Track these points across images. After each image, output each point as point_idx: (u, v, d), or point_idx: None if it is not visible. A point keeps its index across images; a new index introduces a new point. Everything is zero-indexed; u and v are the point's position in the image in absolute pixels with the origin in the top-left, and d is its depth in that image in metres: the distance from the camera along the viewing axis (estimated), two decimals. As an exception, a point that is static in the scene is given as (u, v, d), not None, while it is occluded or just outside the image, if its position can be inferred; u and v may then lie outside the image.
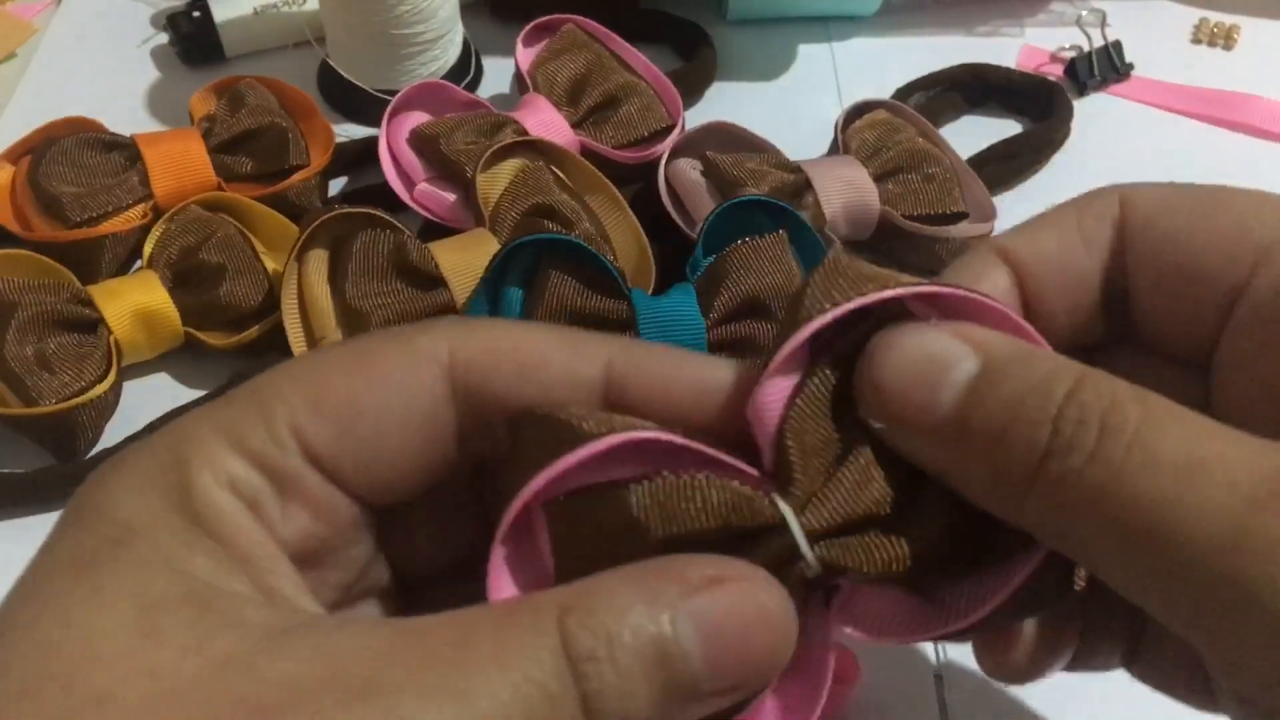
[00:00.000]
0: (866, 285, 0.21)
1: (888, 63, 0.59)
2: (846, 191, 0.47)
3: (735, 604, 0.18)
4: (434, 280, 0.43)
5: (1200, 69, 0.60)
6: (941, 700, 0.37)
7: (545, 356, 0.21)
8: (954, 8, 0.63)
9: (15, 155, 0.50)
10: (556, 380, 0.21)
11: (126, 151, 0.49)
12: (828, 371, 0.21)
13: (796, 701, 0.21)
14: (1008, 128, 0.57)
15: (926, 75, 0.57)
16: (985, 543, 0.21)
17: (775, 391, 0.21)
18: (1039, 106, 0.56)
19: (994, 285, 0.23)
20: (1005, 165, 0.53)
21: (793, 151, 0.50)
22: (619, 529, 0.20)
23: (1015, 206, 0.52)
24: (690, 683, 0.18)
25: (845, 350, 0.21)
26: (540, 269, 0.40)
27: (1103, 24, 0.60)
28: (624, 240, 0.46)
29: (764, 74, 0.60)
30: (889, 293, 0.20)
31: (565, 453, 0.19)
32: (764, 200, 0.43)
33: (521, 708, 0.17)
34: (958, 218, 0.49)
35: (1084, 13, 0.61)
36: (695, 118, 0.53)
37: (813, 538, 0.20)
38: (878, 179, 0.48)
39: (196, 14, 0.58)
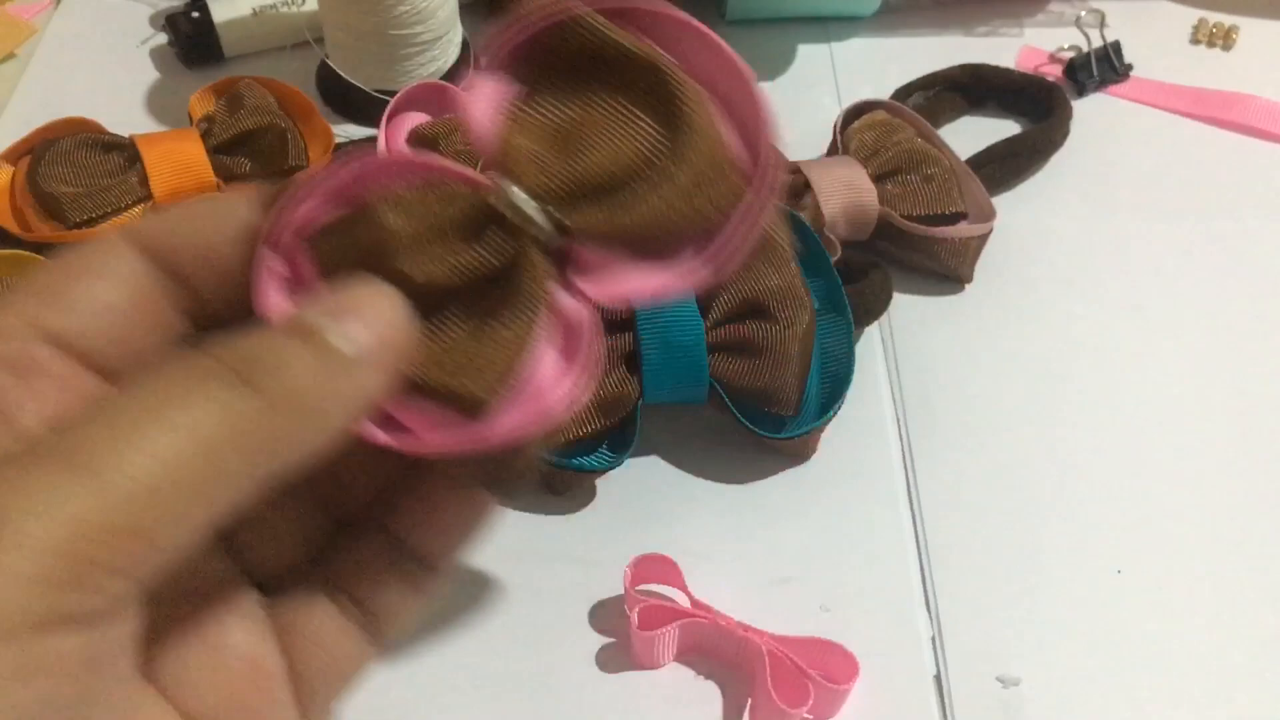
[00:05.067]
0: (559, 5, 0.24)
1: (887, 63, 0.59)
2: (845, 192, 0.47)
3: (345, 288, 0.22)
4: (433, 281, 0.43)
5: (1199, 69, 0.60)
6: (941, 701, 0.37)
7: (202, 201, 0.24)
8: (953, 8, 0.63)
9: (14, 156, 0.49)
10: (219, 214, 0.24)
11: (125, 152, 0.49)
12: (534, 71, 0.24)
13: (568, 355, 0.24)
14: (1007, 128, 0.57)
15: (925, 75, 0.57)
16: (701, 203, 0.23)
17: (484, 96, 0.24)
18: (1038, 107, 0.56)
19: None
20: (1004, 165, 0.53)
21: (791, 152, 0.50)
22: (373, 238, 0.23)
23: (1014, 206, 0.52)
24: (334, 346, 0.21)
25: (547, 59, 0.24)
26: (539, 269, 0.40)
27: (1102, 24, 0.60)
28: (623, 241, 0.46)
29: (763, 74, 0.60)
30: (574, 7, 0.23)
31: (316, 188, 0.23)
32: (763, 201, 0.43)
33: (204, 414, 0.19)
34: (957, 218, 0.49)
35: (1083, 13, 0.61)
36: (694, 118, 0.52)
37: (543, 206, 0.23)
38: (876, 179, 0.48)
39: (195, 14, 0.58)
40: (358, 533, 0.26)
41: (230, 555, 0.26)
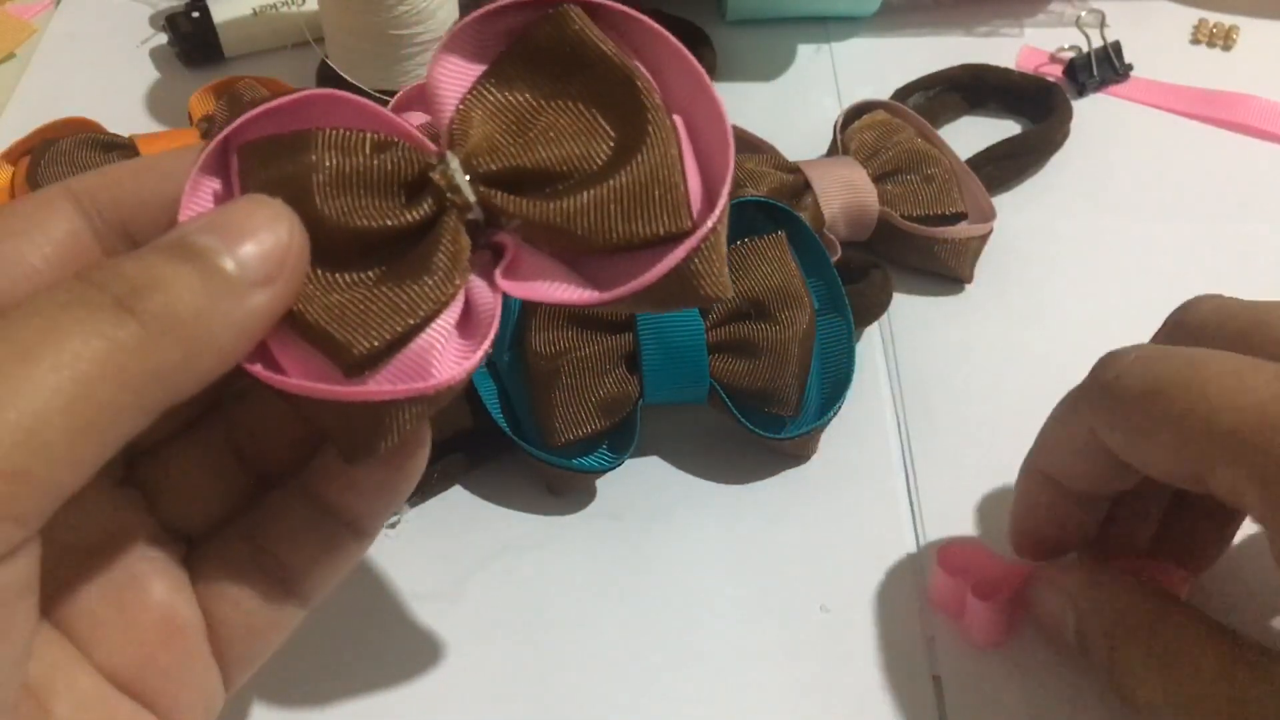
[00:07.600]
0: None
1: (887, 63, 0.59)
2: (845, 192, 0.47)
3: (239, 208, 0.21)
4: (433, 281, 0.43)
5: (1199, 69, 0.60)
6: (940, 701, 0.37)
7: (151, 157, 0.24)
8: (953, 8, 0.63)
9: (14, 156, 0.49)
10: (169, 169, 0.23)
11: (125, 152, 0.49)
12: (507, 55, 0.24)
13: (465, 339, 0.23)
14: (1007, 128, 0.57)
15: (926, 76, 0.57)
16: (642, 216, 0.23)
17: (451, 69, 0.24)
18: (1038, 107, 0.56)
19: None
20: (1004, 166, 0.53)
21: (792, 152, 0.50)
22: (299, 168, 0.22)
23: (1014, 206, 0.52)
24: (221, 268, 0.20)
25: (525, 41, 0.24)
26: (539, 270, 0.40)
27: (1102, 24, 0.60)
28: (623, 241, 0.46)
29: (763, 74, 0.60)
30: None
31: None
32: (763, 201, 0.43)
33: (83, 347, 0.18)
34: (957, 218, 0.49)
35: (1083, 13, 0.61)
36: (694, 118, 0.53)
37: (478, 184, 0.23)
38: (877, 180, 0.48)
39: (195, 14, 0.58)
40: (283, 492, 0.25)
41: (152, 511, 0.25)
